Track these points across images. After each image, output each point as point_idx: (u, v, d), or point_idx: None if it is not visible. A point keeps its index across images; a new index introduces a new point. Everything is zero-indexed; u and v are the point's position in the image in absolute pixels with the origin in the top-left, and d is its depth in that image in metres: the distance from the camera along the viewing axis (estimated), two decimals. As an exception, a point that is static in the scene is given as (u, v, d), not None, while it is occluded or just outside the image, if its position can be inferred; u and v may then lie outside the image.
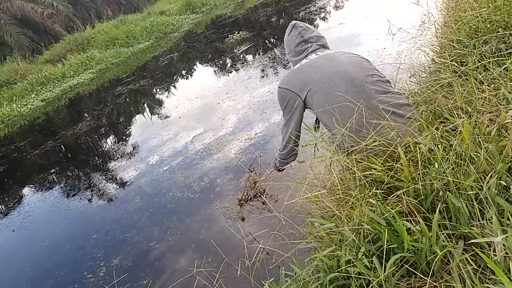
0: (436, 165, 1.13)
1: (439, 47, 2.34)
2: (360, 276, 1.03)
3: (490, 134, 1.18)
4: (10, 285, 2.90)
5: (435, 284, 0.96)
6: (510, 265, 0.82)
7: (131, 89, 8.18)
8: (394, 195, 1.15)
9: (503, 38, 1.84)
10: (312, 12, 8.95)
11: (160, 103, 6.88)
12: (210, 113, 5.03)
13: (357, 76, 1.51)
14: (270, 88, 4.97)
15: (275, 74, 5.70)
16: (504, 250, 0.85)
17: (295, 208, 1.56)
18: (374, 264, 1.02)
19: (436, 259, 0.94)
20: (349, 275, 1.08)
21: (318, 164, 1.44)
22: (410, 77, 2.08)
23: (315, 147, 1.64)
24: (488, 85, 1.47)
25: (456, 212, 1.06)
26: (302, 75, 1.61)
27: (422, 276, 0.96)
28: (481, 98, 1.38)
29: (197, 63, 9.06)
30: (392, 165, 1.21)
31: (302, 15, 9.03)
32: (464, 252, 0.97)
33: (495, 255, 0.84)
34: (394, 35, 4.59)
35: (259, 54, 7.32)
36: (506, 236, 0.86)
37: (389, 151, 1.27)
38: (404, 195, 1.12)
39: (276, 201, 2.56)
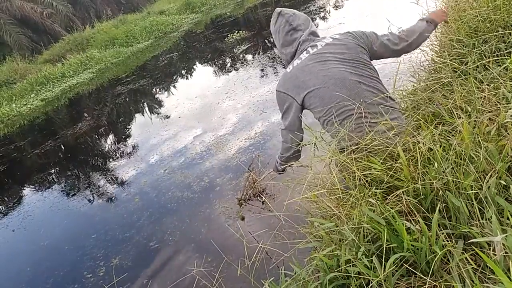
0: (436, 164, 1.13)
1: (438, 46, 2.34)
2: (360, 276, 1.03)
3: (490, 134, 1.18)
4: (10, 285, 2.90)
5: (434, 283, 0.96)
6: (510, 264, 0.81)
7: (131, 89, 8.18)
8: (393, 195, 1.15)
9: (503, 37, 1.84)
10: (312, 11, 8.95)
11: (160, 102, 6.88)
12: (210, 112, 5.03)
13: (349, 79, 1.52)
14: (270, 88, 4.96)
15: (274, 73, 5.70)
16: (504, 249, 0.85)
17: (295, 207, 1.56)
18: (374, 263, 1.02)
19: (436, 259, 0.94)
20: (348, 275, 1.08)
21: (318, 164, 1.44)
22: (409, 76, 2.08)
23: (314, 146, 1.64)
24: (487, 85, 1.47)
25: (456, 211, 1.06)
26: (296, 80, 1.61)
27: (421, 276, 0.96)
28: (481, 97, 1.38)
29: (197, 62, 9.06)
30: (391, 165, 1.21)
31: (301, 15, 9.02)
32: (463, 251, 0.97)
33: (495, 255, 0.84)
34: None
35: (258, 53, 7.32)
36: (506, 236, 0.86)
37: (388, 150, 1.27)
38: (403, 194, 1.12)
39: (276, 200, 2.56)
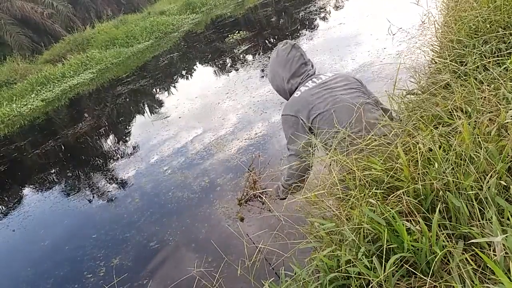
0: (436, 165, 1.13)
1: (439, 47, 2.34)
2: (360, 276, 1.03)
3: (490, 134, 1.18)
4: (10, 285, 2.90)
5: (435, 284, 0.96)
6: (510, 265, 0.82)
7: (131, 89, 8.18)
8: (394, 195, 1.15)
9: (503, 38, 1.84)
10: (312, 12, 8.95)
11: (160, 103, 6.89)
12: (210, 113, 5.03)
13: (355, 102, 1.63)
14: (270, 88, 4.94)
15: (275, 74, 5.69)
16: (504, 250, 0.85)
17: (295, 208, 1.56)
18: (374, 264, 1.02)
19: (436, 259, 0.94)
20: (349, 275, 1.08)
21: (318, 164, 1.44)
22: (409, 77, 2.08)
23: (314, 146, 1.64)
24: (488, 85, 1.47)
25: (456, 212, 1.05)
26: (305, 102, 1.72)
27: (422, 276, 0.96)
28: (481, 98, 1.38)
29: (197, 63, 9.06)
30: (391, 165, 1.21)
31: (302, 15, 9.03)
32: (464, 252, 0.97)
33: (495, 255, 0.84)
34: (394, 35, 4.59)
35: (259, 54, 7.32)
36: (506, 236, 0.86)
37: (388, 150, 1.27)
38: (404, 195, 1.12)
39: (276, 201, 2.56)
